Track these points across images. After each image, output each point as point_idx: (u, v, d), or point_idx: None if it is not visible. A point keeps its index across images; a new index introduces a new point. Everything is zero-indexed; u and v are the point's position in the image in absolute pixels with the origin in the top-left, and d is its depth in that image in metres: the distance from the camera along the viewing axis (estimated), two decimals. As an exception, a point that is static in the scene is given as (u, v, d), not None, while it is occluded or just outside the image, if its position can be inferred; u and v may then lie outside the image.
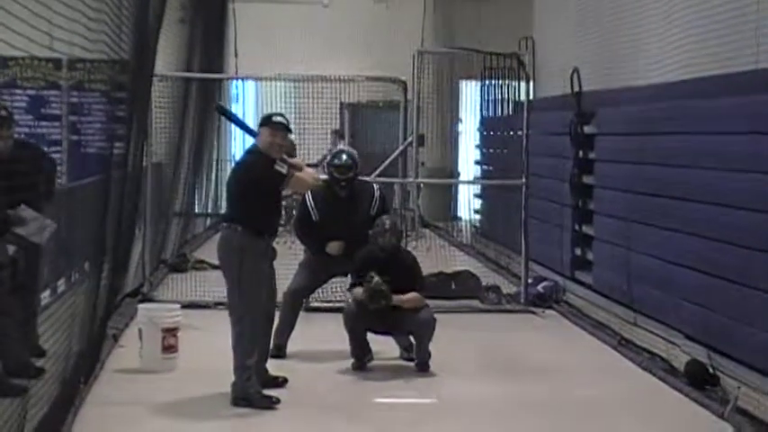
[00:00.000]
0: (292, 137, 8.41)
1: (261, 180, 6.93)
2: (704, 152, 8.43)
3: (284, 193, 7.49)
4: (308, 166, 7.90)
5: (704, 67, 9.01)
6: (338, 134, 16.20)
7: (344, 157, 8.63)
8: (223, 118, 11.36)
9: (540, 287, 11.23)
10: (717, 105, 8.40)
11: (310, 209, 8.62)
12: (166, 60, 12.09)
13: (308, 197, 8.61)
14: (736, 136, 7.92)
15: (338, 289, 9.92)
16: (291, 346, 8.39)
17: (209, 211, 16.66)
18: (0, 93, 12.90)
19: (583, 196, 11.56)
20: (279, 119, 7.14)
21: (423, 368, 7.98)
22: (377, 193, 8.71)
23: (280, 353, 8.15)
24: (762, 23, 7.98)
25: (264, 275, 7.03)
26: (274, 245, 7.21)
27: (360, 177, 8.81)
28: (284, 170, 6.93)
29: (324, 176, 8.45)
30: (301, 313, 8.65)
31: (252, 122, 7.58)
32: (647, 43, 10.68)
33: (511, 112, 15.05)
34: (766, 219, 7.31)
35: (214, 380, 7.19)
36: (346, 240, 8.41)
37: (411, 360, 8.14)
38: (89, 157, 12.99)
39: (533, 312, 10.74)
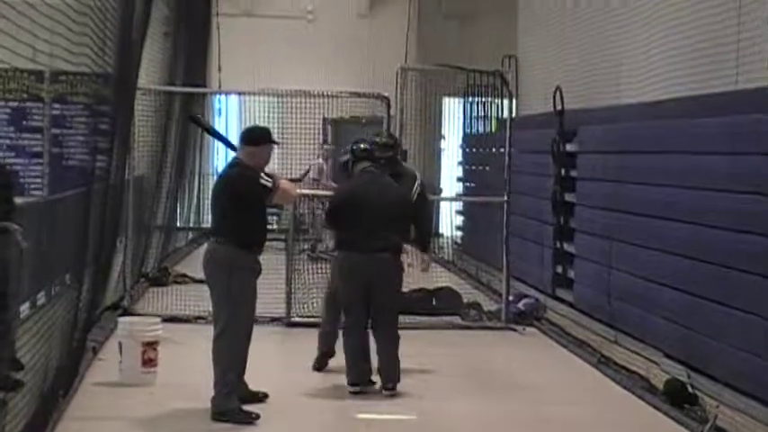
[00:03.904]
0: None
1: (247, 194, 6.90)
2: (684, 171, 8.47)
3: None
4: (292, 180, 7.78)
5: (685, 87, 9.08)
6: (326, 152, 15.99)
7: (385, 136, 8.51)
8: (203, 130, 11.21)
9: (520, 304, 11.23)
10: (697, 125, 8.45)
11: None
12: (150, 74, 12.08)
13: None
14: (716, 156, 7.97)
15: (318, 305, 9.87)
16: (271, 361, 8.36)
17: (191, 224, 16.63)
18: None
19: (564, 214, 11.60)
20: (266, 134, 7.12)
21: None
22: (419, 179, 8.64)
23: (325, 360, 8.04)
24: (742, 45, 8.05)
25: (252, 291, 6.98)
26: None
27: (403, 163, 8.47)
28: (269, 183, 6.91)
29: (346, 157, 8.08)
30: (283, 328, 8.62)
31: (234, 137, 7.51)
32: (629, 63, 10.75)
33: (493, 130, 15.09)
34: (746, 238, 7.35)
35: (194, 394, 7.16)
36: None
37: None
38: (71, 169, 12.95)
39: (514, 330, 10.74)
